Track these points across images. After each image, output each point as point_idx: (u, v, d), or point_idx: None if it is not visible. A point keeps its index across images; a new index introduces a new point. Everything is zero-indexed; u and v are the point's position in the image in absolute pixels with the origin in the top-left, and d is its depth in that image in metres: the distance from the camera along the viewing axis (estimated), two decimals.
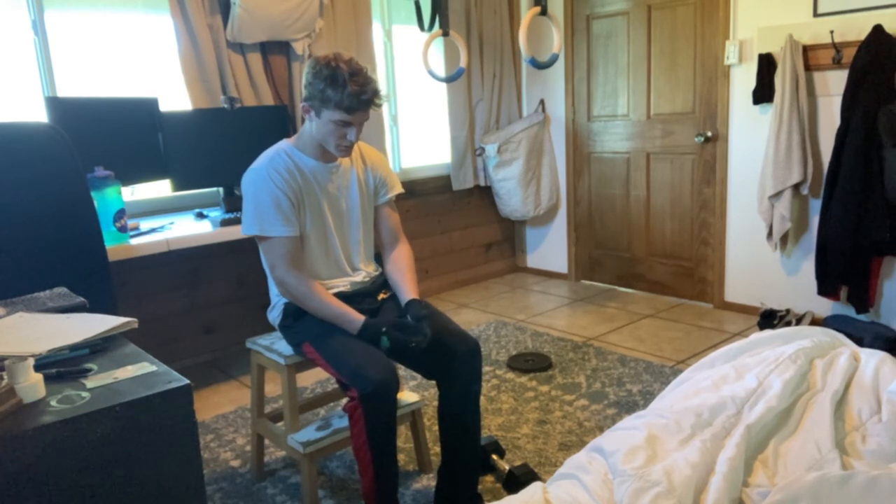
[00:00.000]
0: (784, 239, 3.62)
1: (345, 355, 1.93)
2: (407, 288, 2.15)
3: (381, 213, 2.26)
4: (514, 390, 3.05)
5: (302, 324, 2.07)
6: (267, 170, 2.00)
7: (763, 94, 3.56)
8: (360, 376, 1.86)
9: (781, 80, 3.40)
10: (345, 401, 1.94)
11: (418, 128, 4.59)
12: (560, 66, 4.55)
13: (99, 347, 1.39)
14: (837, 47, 3.29)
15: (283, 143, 2.10)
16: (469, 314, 4.22)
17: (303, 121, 2.07)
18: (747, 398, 1.62)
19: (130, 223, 2.87)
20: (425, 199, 4.54)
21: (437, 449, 2.54)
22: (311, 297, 1.99)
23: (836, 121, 3.29)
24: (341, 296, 2.09)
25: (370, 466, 1.91)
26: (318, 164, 2.08)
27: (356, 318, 1.98)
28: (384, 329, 1.95)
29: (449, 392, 2.07)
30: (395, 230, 2.27)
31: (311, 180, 2.07)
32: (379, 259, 2.32)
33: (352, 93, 1.87)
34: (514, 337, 3.73)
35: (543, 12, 3.81)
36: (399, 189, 2.29)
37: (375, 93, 1.93)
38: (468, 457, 2.11)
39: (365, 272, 2.22)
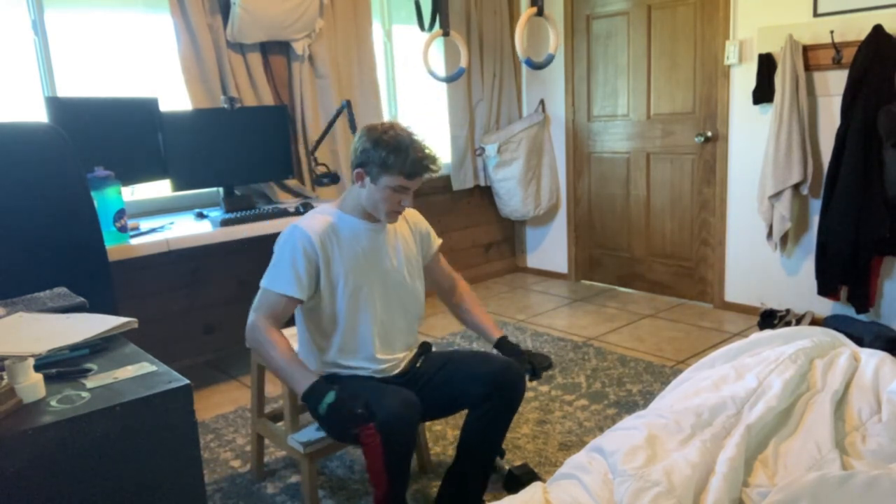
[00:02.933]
0: (784, 239, 3.62)
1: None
2: (488, 327, 2.20)
3: (435, 263, 2.23)
4: None
5: None
6: (301, 228, 1.95)
7: (763, 94, 3.56)
8: (379, 408, 1.77)
9: (781, 80, 3.40)
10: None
11: (418, 128, 4.57)
12: (560, 66, 4.55)
13: (99, 347, 1.39)
14: (837, 47, 3.29)
15: (328, 208, 2.04)
16: None
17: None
18: (747, 398, 1.62)
19: (130, 223, 2.87)
20: (425, 199, 4.53)
21: (437, 449, 2.55)
22: (270, 346, 1.90)
23: (836, 121, 3.29)
24: (367, 378, 1.99)
25: (384, 484, 1.85)
26: (363, 223, 2.01)
27: (304, 377, 1.85)
28: (335, 389, 1.81)
29: (480, 413, 2.01)
30: (450, 273, 2.27)
31: (353, 241, 2.00)
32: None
33: (415, 159, 1.89)
34: (513, 337, 3.72)
35: (540, 13, 3.80)
36: (439, 239, 2.26)
37: (434, 159, 1.95)
38: (479, 473, 2.09)
39: (400, 359, 2.10)
